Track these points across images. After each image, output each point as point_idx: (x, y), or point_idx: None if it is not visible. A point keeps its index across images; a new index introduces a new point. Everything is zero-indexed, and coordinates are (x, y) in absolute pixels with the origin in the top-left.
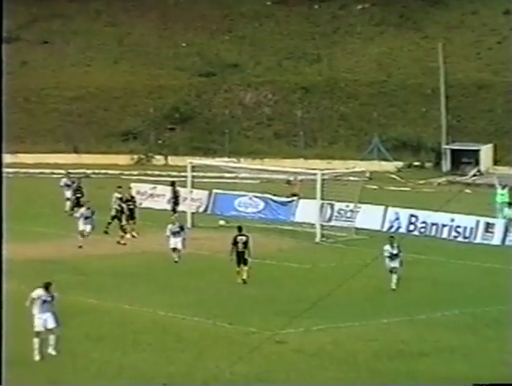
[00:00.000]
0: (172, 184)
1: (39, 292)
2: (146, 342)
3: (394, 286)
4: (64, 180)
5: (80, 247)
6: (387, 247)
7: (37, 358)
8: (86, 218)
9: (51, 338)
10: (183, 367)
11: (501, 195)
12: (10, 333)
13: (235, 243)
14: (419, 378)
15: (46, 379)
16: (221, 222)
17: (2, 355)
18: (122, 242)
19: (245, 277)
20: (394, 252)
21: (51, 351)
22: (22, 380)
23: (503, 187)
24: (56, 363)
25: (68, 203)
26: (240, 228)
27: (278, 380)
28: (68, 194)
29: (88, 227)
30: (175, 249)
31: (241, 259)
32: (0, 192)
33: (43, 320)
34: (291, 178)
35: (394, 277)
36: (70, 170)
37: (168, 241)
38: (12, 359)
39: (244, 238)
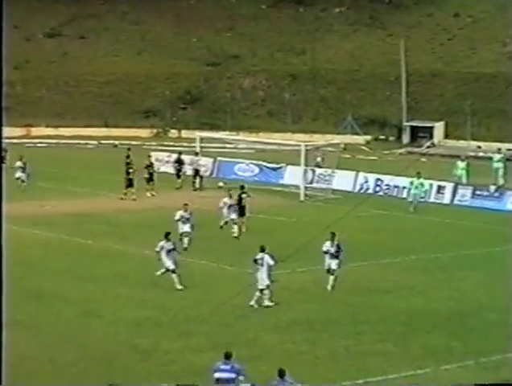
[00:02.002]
0: (179, 154)
1: (267, 257)
2: (162, 281)
3: (329, 287)
4: (18, 163)
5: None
6: (327, 243)
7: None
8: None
9: (266, 293)
10: (193, 301)
11: (461, 170)
12: (57, 273)
13: (240, 199)
14: (383, 310)
15: (81, 309)
16: (220, 184)
17: (1, 355)
18: (133, 197)
19: (243, 229)
20: (332, 251)
21: (267, 303)
22: (59, 311)
23: (462, 160)
24: (89, 296)
25: (24, 184)
26: (242, 187)
27: (269, 311)
28: (21, 175)
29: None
30: (183, 234)
31: (242, 212)
32: (0, 161)
33: (260, 279)
34: (318, 158)
35: (331, 278)
36: (22, 155)
37: (178, 228)
38: (53, 294)
39: (245, 195)
